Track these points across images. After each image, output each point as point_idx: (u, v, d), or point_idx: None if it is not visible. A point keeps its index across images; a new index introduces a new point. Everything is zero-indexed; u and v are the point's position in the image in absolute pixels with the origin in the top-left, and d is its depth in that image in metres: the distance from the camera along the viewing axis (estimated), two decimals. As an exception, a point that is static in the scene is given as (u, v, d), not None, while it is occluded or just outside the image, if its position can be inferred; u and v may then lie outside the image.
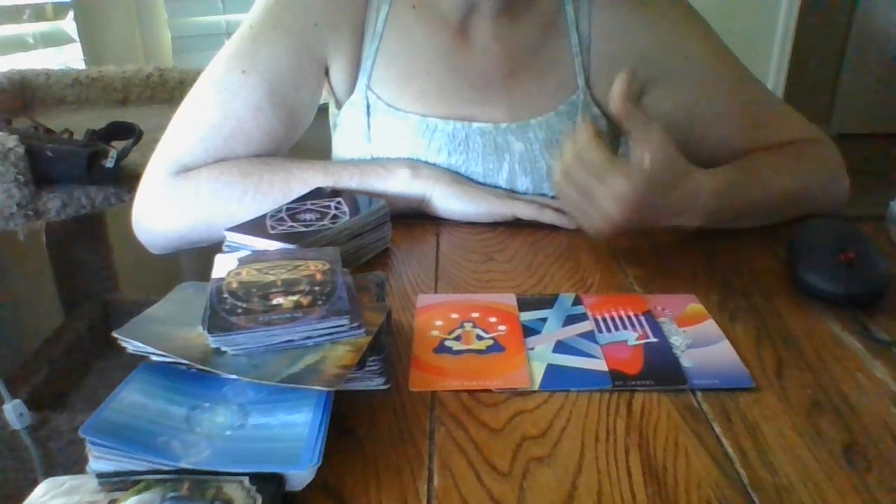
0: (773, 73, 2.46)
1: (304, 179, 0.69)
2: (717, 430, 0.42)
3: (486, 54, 0.76)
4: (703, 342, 0.51)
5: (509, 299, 0.57)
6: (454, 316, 0.54)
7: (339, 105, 0.79)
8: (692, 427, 0.42)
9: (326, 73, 0.76)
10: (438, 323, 0.53)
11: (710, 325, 0.53)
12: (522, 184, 0.77)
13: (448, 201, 0.71)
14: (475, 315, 0.54)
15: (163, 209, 0.69)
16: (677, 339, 0.51)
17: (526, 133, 0.76)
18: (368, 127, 0.76)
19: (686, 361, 0.48)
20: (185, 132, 0.71)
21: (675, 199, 0.60)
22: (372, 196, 0.68)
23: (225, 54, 0.73)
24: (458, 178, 0.75)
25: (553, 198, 0.75)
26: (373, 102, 0.76)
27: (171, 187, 0.69)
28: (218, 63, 0.73)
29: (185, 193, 0.68)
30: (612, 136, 0.82)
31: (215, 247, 0.60)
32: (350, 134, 0.78)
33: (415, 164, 0.73)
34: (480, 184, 0.77)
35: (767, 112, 0.79)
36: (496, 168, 0.76)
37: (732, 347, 0.50)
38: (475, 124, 0.76)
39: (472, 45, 0.76)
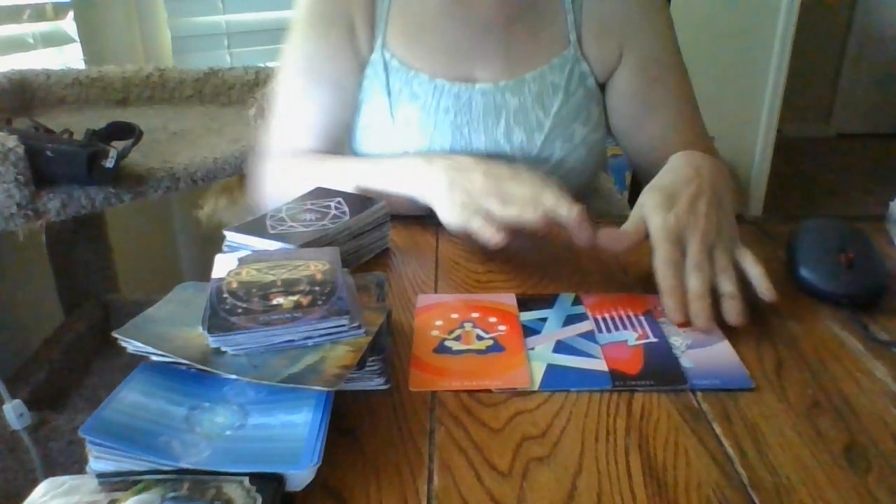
0: (773, 73, 2.46)
1: (336, 178, 0.74)
2: (717, 430, 0.42)
3: (485, 2, 0.80)
4: (703, 342, 0.51)
5: (509, 299, 0.57)
6: (454, 316, 0.54)
7: (363, 69, 0.85)
8: (692, 427, 0.42)
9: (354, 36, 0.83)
10: (438, 323, 0.53)
11: None
12: (517, 136, 0.81)
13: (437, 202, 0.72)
14: (475, 315, 0.54)
15: (259, 187, 0.84)
16: (677, 339, 0.51)
17: (521, 88, 0.81)
18: (388, 83, 0.82)
19: (686, 362, 0.48)
20: (272, 126, 0.86)
21: None
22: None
23: (285, 56, 0.84)
24: (453, 175, 0.74)
25: (538, 154, 0.82)
26: (388, 60, 0.81)
27: (263, 171, 0.84)
28: (289, 65, 0.84)
29: (270, 178, 0.83)
30: (600, 95, 0.85)
31: (215, 246, 0.60)
32: (371, 92, 0.83)
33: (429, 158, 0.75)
34: (482, 150, 0.81)
35: (696, 115, 0.86)
36: (494, 124, 0.81)
37: (732, 348, 0.50)
38: (477, 85, 0.81)
39: None
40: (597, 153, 0.85)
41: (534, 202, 0.60)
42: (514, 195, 0.62)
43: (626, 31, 0.81)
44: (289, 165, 0.82)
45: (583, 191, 0.69)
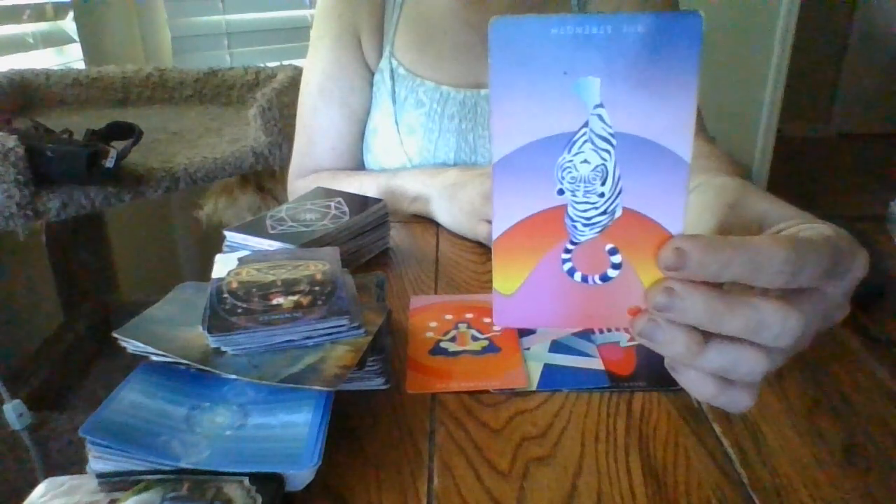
0: (773, 73, 2.46)
1: (356, 186, 0.77)
2: (717, 430, 0.42)
3: (499, 7, 0.81)
4: None
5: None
6: (448, 317, 0.54)
7: (372, 75, 0.86)
8: (692, 427, 0.42)
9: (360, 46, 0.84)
10: (433, 324, 0.53)
11: None
12: None
13: (439, 213, 0.73)
14: (469, 316, 0.54)
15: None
16: None
17: None
18: (393, 91, 0.83)
19: None
20: (295, 146, 0.91)
21: None
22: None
23: (304, 74, 0.87)
24: (453, 190, 0.73)
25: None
26: (395, 68, 0.83)
27: (292, 190, 0.90)
28: (304, 84, 0.87)
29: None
30: None
31: (215, 246, 0.60)
32: (379, 98, 0.85)
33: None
34: (486, 156, 0.82)
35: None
36: None
37: None
38: (482, 91, 0.82)
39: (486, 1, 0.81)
40: None
41: None
42: None
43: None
44: (312, 184, 0.84)
45: None
